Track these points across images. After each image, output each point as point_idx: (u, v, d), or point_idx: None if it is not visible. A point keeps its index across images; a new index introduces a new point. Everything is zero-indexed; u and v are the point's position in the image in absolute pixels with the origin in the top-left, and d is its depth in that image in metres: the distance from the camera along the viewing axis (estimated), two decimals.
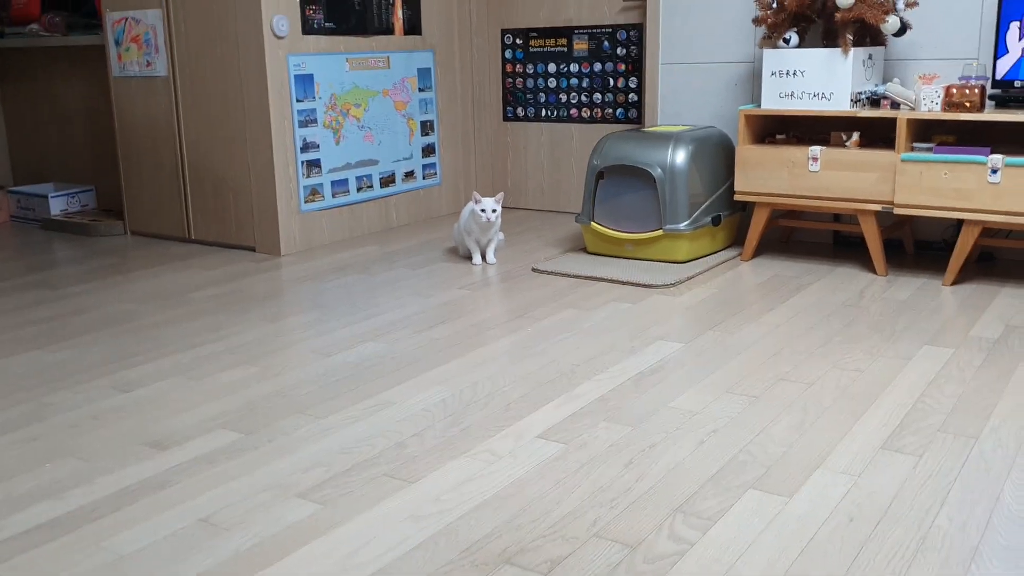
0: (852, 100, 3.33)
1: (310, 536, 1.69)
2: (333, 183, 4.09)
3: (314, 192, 4.01)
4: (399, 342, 2.77)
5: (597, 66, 4.46)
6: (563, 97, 4.59)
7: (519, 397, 2.32)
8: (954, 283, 3.24)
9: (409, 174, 4.49)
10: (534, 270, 3.56)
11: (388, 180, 4.37)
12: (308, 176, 3.97)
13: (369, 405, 2.30)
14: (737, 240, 3.91)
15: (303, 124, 3.91)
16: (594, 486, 1.85)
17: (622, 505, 1.77)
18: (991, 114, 3.07)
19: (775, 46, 3.48)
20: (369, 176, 4.26)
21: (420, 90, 4.48)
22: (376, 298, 3.25)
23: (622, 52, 4.38)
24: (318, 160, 4.00)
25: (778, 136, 3.61)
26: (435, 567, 1.58)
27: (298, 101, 3.88)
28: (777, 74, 3.44)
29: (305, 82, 3.90)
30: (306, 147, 3.94)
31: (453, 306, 3.13)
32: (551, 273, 3.52)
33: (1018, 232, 3.46)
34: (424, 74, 4.49)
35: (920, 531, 1.65)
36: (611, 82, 4.44)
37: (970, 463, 1.91)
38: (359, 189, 4.22)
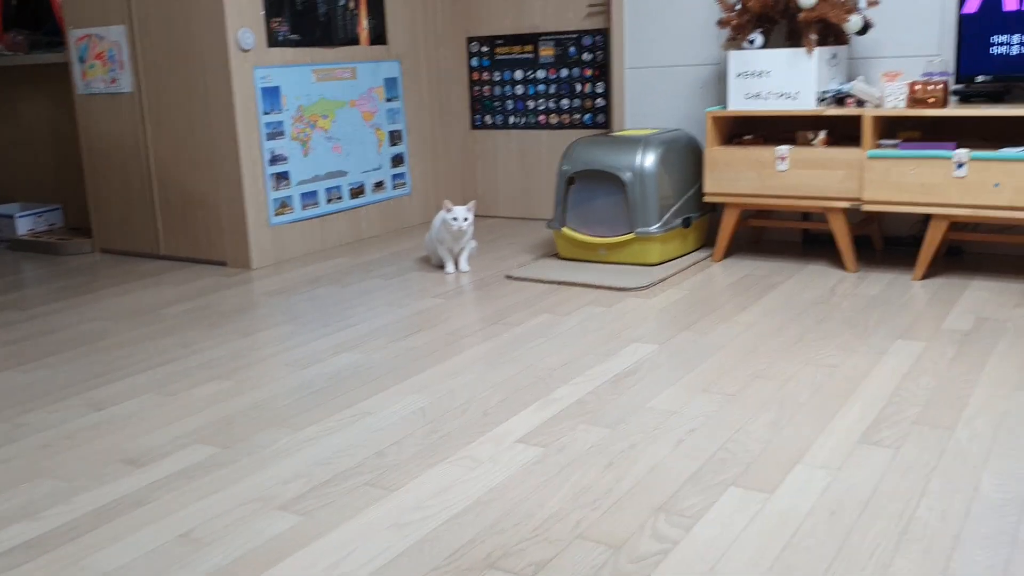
0: (817, 99, 3.37)
1: (292, 548, 1.68)
2: (302, 195, 4.06)
3: (284, 205, 3.98)
4: (375, 352, 2.76)
5: (564, 72, 4.48)
6: (531, 104, 4.60)
7: (497, 403, 2.32)
8: (924, 277, 3.28)
9: (379, 184, 4.47)
10: (508, 277, 3.56)
11: (358, 191, 4.35)
12: (277, 189, 3.94)
13: (347, 416, 2.28)
14: (708, 241, 3.93)
15: (271, 137, 3.89)
16: (575, 488, 1.85)
17: (604, 506, 1.77)
18: (955, 109, 3.12)
19: (740, 48, 3.51)
20: (339, 187, 4.24)
21: (387, 100, 4.47)
22: (350, 309, 3.24)
23: (588, 57, 4.40)
24: (287, 172, 3.98)
25: (745, 137, 3.64)
26: (420, 574, 1.57)
27: (265, 114, 3.86)
28: (743, 75, 3.47)
29: (271, 95, 3.88)
30: (274, 160, 3.92)
31: (428, 315, 3.12)
32: (525, 280, 3.52)
33: (985, 225, 3.51)
34: (391, 84, 4.48)
35: (901, 522, 1.67)
36: (578, 87, 4.46)
37: (947, 454, 1.93)
38: (329, 201, 4.20)
